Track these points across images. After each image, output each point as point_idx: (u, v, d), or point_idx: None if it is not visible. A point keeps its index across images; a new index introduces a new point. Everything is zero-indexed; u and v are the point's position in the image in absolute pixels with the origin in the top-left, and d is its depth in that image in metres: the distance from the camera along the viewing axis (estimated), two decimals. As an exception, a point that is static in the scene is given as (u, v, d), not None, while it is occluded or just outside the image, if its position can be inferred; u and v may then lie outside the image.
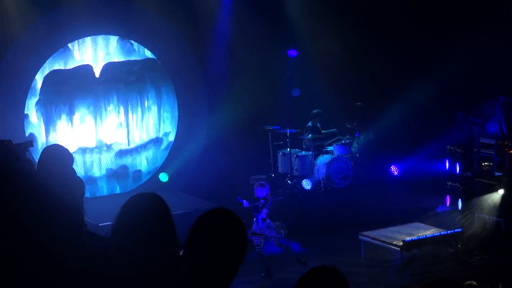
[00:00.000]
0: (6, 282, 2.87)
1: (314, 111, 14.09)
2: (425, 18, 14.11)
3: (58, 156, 5.70)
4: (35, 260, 2.91)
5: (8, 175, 3.13)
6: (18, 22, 11.93)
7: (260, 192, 9.86)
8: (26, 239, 2.91)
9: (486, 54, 13.15)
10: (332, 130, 14.26)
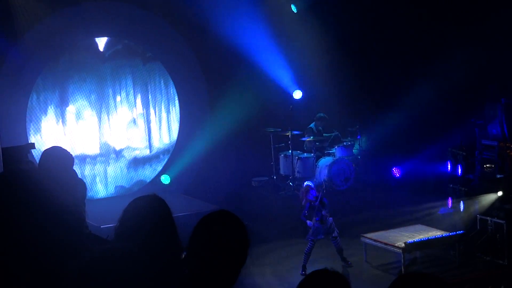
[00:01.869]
0: (9, 284, 2.88)
1: (318, 115, 14.10)
2: (427, 20, 14.12)
3: (58, 158, 5.67)
4: (36, 262, 2.91)
5: (8, 177, 3.13)
6: (20, 24, 11.86)
7: (313, 194, 9.39)
8: (27, 242, 2.91)
9: (488, 56, 13.16)
10: (333, 134, 14.26)
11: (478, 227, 9.93)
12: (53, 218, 3.03)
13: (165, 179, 13.40)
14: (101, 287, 2.47)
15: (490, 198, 10.00)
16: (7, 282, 2.88)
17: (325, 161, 13.59)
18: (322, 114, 14.11)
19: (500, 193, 9.84)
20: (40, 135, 10.40)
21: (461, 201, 11.26)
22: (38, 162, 5.87)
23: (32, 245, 2.91)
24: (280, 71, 14.62)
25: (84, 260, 2.53)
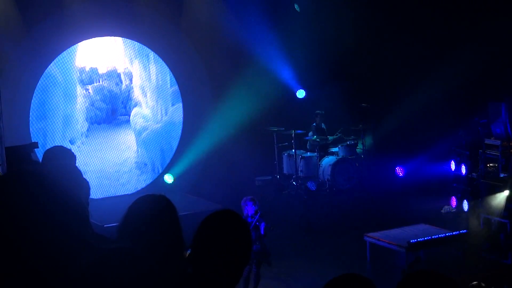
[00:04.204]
0: (12, 284, 2.88)
1: (316, 111, 14.14)
2: (431, 19, 14.10)
3: (60, 158, 5.65)
4: (39, 262, 2.92)
5: (14, 177, 3.14)
6: (23, 24, 11.87)
7: (251, 209, 8.02)
8: (30, 242, 2.92)
9: (491, 55, 13.13)
10: (337, 136, 14.26)
11: (481, 226, 9.92)
12: (57, 218, 3.03)
13: (169, 178, 13.40)
14: (104, 286, 2.47)
15: (494, 197, 9.97)
16: (10, 283, 2.88)
17: (328, 160, 13.59)
18: (319, 111, 14.13)
19: (506, 192, 9.80)
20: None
21: (465, 201, 11.26)
22: (40, 161, 5.85)
23: (36, 246, 2.91)
24: (283, 70, 14.62)
25: (88, 261, 2.53)
